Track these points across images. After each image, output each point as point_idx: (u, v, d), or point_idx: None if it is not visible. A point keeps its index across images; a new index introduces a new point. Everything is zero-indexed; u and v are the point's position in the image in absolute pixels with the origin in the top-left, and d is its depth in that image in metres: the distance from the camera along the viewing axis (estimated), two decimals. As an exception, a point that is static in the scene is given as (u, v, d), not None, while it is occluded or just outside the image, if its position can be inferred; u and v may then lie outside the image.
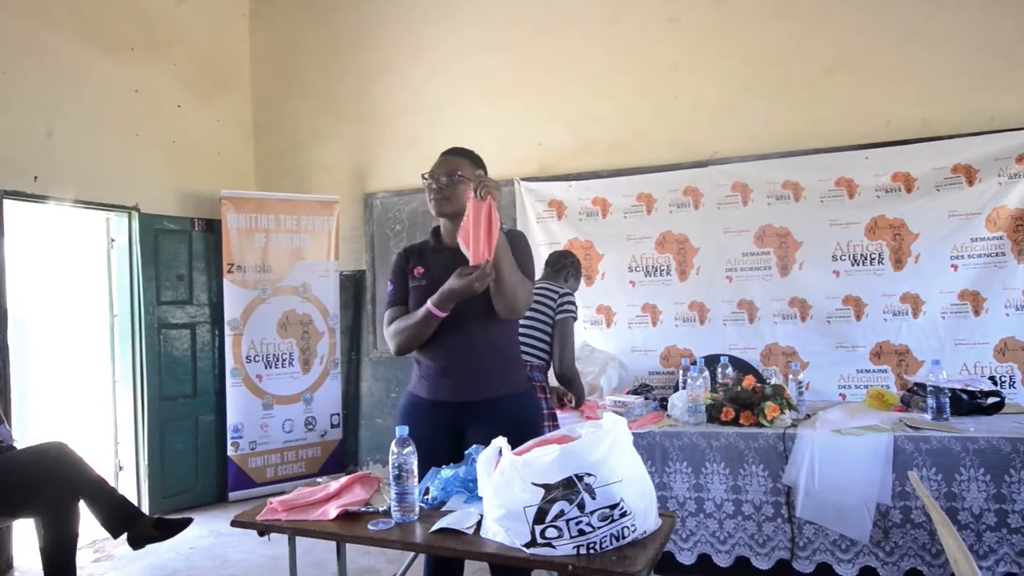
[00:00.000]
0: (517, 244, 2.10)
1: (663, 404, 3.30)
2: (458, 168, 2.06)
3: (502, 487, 1.57)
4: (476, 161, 2.15)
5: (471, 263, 1.90)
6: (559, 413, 2.95)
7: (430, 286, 2.04)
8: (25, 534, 3.40)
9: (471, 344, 2.05)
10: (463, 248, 1.93)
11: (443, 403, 2.07)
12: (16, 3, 3.82)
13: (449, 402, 2.07)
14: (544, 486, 1.51)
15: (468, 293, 1.91)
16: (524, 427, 1.95)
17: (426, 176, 2.10)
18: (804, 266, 3.92)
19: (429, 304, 1.98)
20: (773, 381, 3.20)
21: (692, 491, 2.88)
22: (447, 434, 2.08)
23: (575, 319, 2.98)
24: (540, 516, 1.51)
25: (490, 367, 2.06)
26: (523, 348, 2.83)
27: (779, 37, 4.01)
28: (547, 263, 3.34)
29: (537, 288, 2.93)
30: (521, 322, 2.78)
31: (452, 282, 1.92)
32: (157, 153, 4.58)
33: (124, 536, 2.95)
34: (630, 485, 1.55)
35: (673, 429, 2.94)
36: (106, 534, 2.96)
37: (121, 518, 2.94)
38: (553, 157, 4.50)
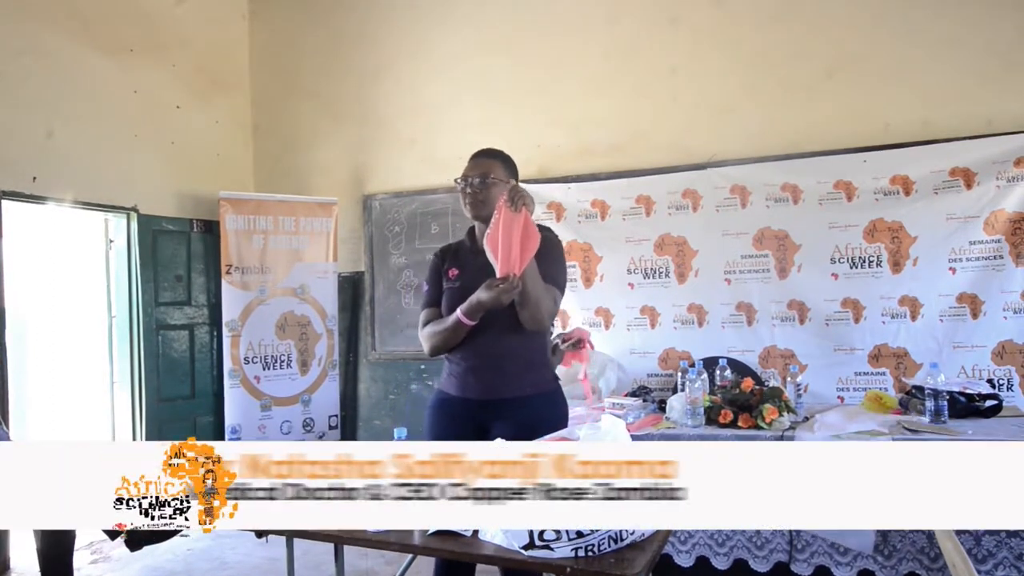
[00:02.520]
0: (550, 252, 2.13)
1: (661, 406, 3.30)
2: (491, 170, 2.11)
3: (500, 489, 1.56)
4: (508, 162, 2.18)
5: (499, 274, 1.93)
6: None
7: (463, 289, 2.10)
8: (22, 535, 3.39)
9: (498, 345, 2.09)
10: (490, 256, 1.95)
11: (470, 400, 2.13)
12: (16, 3, 3.82)
13: (476, 399, 2.12)
14: (542, 488, 1.51)
15: (496, 305, 1.95)
16: (549, 424, 1.98)
17: (459, 180, 2.13)
18: (803, 268, 3.93)
19: (459, 312, 2.02)
20: (771, 383, 3.20)
21: (690, 493, 2.88)
22: (473, 431, 2.12)
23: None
24: (538, 518, 1.51)
25: (516, 367, 2.10)
26: None
27: (778, 39, 4.02)
28: None
29: None
30: None
31: (480, 293, 1.96)
32: (156, 154, 4.57)
33: (121, 537, 2.95)
34: (629, 487, 1.55)
35: (671, 431, 2.94)
36: (103, 535, 2.96)
37: (118, 519, 2.93)
38: (552, 159, 4.50)
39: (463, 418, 2.13)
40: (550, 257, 2.12)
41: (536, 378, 2.16)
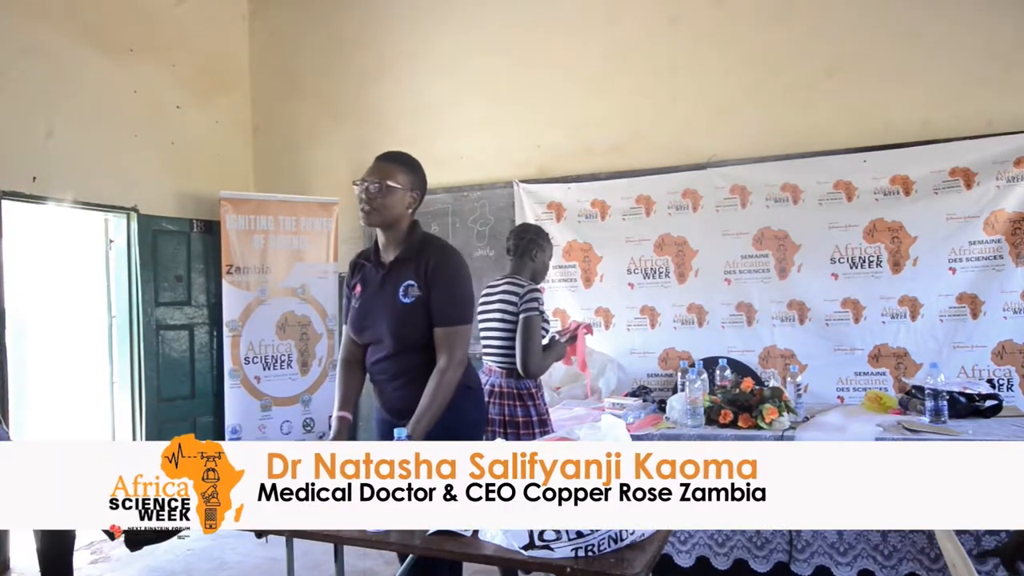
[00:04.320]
0: (438, 281, 2.00)
1: (661, 406, 3.29)
2: (391, 176, 1.99)
3: (500, 489, 1.56)
4: (414, 170, 2.07)
5: None
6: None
7: (362, 311, 2.10)
8: (22, 535, 3.39)
9: (390, 366, 2.09)
10: None
11: (383, 410, 2.19)
12: (16, 3, 3.82)
13: (384, 408, 2.18)
14: (543, 488, 1.51)
15: None
16: (448, 433, 1.91)
17: (357, 182, 2.02)
18: (803, 269, 3.93)
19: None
20: (771, 383, 3.20)
21: (690, 493, 2.88)
22: (388, 435, 2.15)
23: (539, 315, 2.66)
24: (538, 518, 1.51)
25: (406, 383, 2.06)
26: (490, 355, 2.74)
27: (778, 40, 4.02)
28: (508, 250, 2.92)
29: (502, 286, 2.73)
30: (485, 326, 2.73)
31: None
32: (156, 154, 4.57)
33: (121, 537, 2.94)
34: (629, 487, 1.55)
35: (671, 431, 2.94)
36: (103, 535, 2.95)
37: (118, 519, 2.93)
38: (552, 159, 4.50)
39: (384, 426, 2.15)
40: (443, 294, 1.99)
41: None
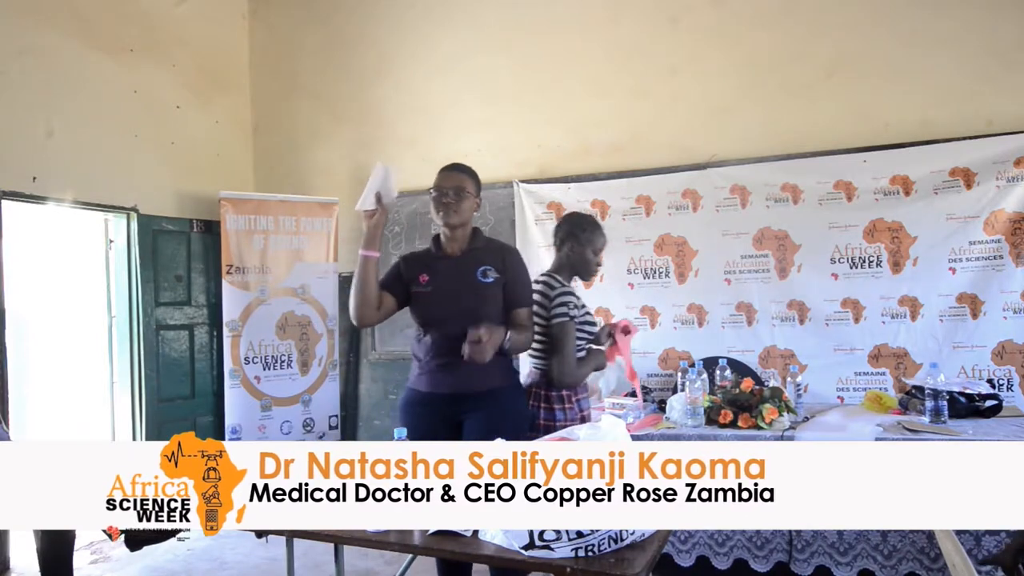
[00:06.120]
0: (520, 275, 2.37)
1: (661, 406, 3.29)
2: (463, 184, 2.31)
3: (500, 489, 1.56)
4: (476, 179, 2.39)
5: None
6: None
7: (434, 292, 2.29)
8: (22, 535, 3.39)
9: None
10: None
11: (440, 395, 2.24)
12: (16, 3, 3.82)
13: (446, 394, 2.24)
14: (542, 488, 1.51)
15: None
16: (513, 416, 2.25)
17: (432, 191, 2.32)
18: (803, 269, 3.93)
19: (361, 251, 2.28)
20: (771, 383, 3.20)
21: (690, 493, 2.87)
22: (445, 425, 2.23)
23: (571, 320, 2.43)
24: (538, 518, 1.51)
25: (482, 364, 2.16)
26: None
27: (778, 40, 4.02)
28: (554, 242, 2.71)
29: (537, 285, 2.54)
30: None
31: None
32: (156, 154, 4.57)
33: (121, 537, 2.94)
34: (628, 487, 1.55)
35: (671, 431, 2.94)
36: (103, 535, 2.96)
37: (118, 519, 2.93)
38: (552, 159, 4.50)
39: (434, 413, 2.24)
40: (521, 280, 2.36)
41: (501, 372, 2.29)
